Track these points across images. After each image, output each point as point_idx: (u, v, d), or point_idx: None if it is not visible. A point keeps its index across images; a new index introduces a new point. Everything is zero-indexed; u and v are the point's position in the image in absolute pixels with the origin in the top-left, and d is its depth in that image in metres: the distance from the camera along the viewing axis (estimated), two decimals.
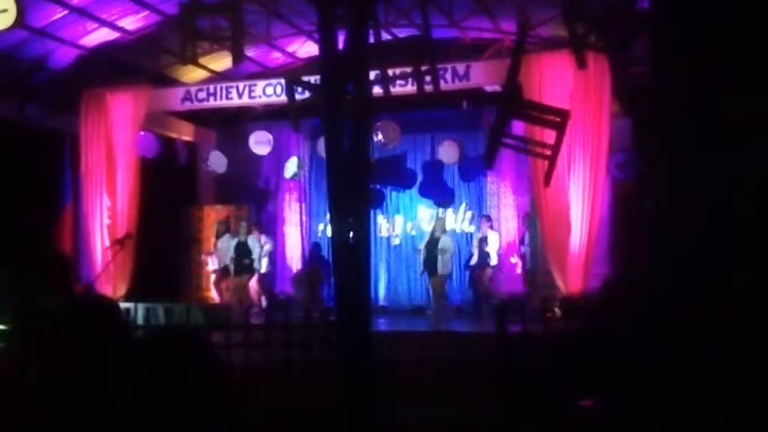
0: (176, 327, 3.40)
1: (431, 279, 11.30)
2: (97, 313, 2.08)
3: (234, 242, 11.94)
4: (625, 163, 10.30)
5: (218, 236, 12.37)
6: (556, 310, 8.77)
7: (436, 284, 11.28)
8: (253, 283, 11.87)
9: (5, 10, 7.11)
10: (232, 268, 11.80)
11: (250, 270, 11.84)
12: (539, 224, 10.52)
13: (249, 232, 12.03)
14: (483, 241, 11.50)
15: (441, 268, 11.10)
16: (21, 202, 10.29)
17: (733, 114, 2.68)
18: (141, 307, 8.23)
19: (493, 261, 11.40)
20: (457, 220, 12.76)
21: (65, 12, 10.04)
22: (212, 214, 13.15)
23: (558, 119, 6.10)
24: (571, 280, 9.73)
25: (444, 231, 11.43)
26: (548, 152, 6.37)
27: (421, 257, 11.34)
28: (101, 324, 2.05)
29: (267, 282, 12.61)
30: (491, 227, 11.69)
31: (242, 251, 11.85)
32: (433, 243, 11.28)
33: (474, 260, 11.55)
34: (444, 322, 10.61)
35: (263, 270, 12.18)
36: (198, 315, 8.74)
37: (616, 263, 10.40)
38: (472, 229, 12.64)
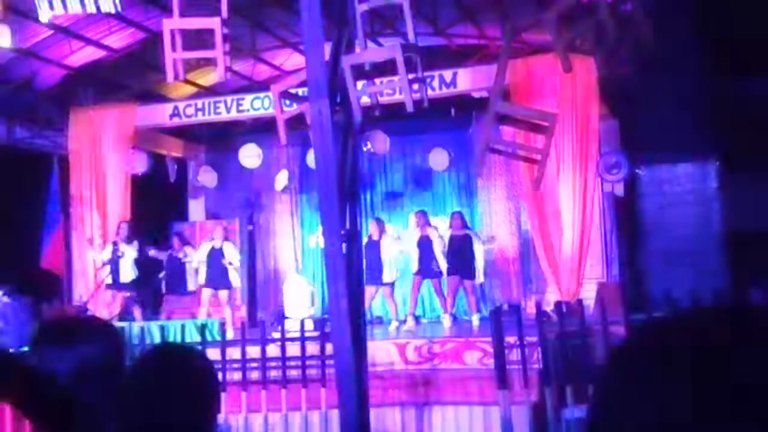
0: (174, 345, 3.37)
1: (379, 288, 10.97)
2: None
3: (207, 248, 11.13)
4: (614, 164, 10.34)
5: None
6: (552, 314, 8.77)
7: (386, 294, 11.02)
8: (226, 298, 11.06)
9: None
10: (204, 278, 11.03)
11: (225, 282, 11.02)
12: (531, 228, 10.54)
13: (225, 238, 11.23)
14: (423, 243, 10.81)
15: (386, 276, 10.82)
16: (11, 225, 10.26)
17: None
18: (135, 326, 8.19)
19: (442, 266, 10.81)
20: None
21: (51, 32, 10.03)
22: (204, 230, 13.13)
23: (546, 123, 6.12)
24: (564, 284, 9.75)
25: (381, 234, 10.97)
26: (537, 156, 6.39)
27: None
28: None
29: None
30: (429, 224, 11.12)
31: (216, 259, 11.01)
32: (372, 248, 10.59)
33: (415, 266, 10.97)
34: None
35: (237, 284, 11.36)
36: (193, 332, 8.70)
37: (610, 266, 10.45)
38: None
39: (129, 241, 10.84)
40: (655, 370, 0.74)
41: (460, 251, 10.68)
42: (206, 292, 11.00)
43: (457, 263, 10.62)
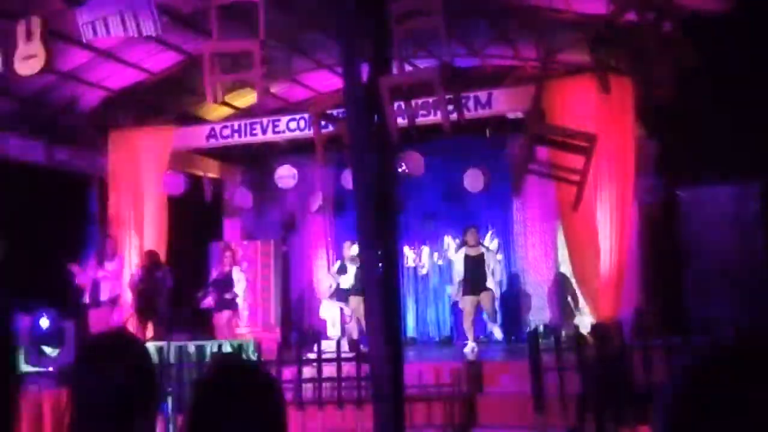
0: (246, 362, 3.35)
1: None
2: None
3: (218, 271, 11.36)
4: (652, 186, 10.24)
5: None
6: (588, 336, 8.66)
7: None
8: (229, 319, 11.17)
9: (34, 56, 7.26)
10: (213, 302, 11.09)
11: (230, 305, 11.17)
12: (567, 249, 10.45)
13: (234, 263, 11.45)
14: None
15: None
16: (51, 246, 10.39)
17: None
18: (173, 346, 8.23)
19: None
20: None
21: (92, 55, 10.22)
22: (239, 251, 13.20)
23: (585, 144, 6.08)
24: (601, 307, 9.63)
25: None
26: (576, 177, 6.35)
27: None
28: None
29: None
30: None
31: (224, 284, 11.17)
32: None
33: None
34: None
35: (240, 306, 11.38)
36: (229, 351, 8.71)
37: (647, 289, 10.31)
38: (499, 256, 12.57)
39: (112, 257, 10.76)
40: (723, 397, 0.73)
41: (476, 269, 10.63)
42: (218, 317, 11.20)
43: (474, 282, 10.59)
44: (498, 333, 10.93)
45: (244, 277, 11.56)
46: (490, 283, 10.62)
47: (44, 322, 8.12)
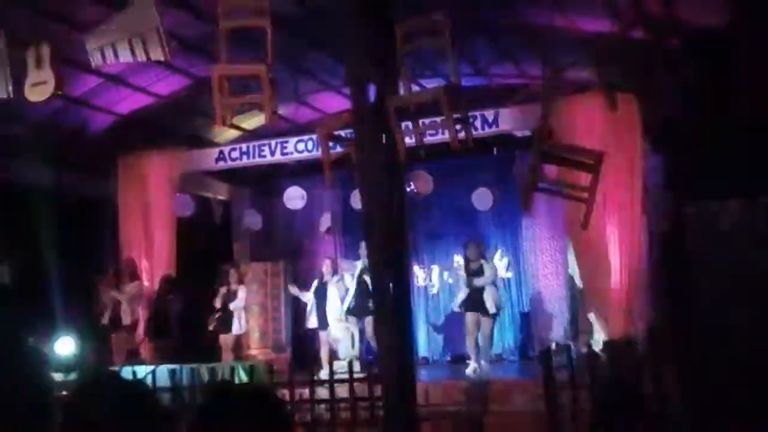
0: (253, 386, 3.34)
1: None
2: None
3: (222, 291, 11.42)
4: (660, 202, 10.21)
5: None
6: (601, 354, 8.62)
7: None
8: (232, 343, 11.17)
9: (44, 82, 7.32)
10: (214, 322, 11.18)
11: (229, 326, 11.20)
12: (577, 267, 10.42)
13: (240, 282, 11.46)
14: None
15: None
16: (62, 271, 10.42)
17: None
18: (186, 369, 8.23)
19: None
20: None
21: (101, 81, 10.30)
22: (248, 272, 13.20)
23: (592, 161, 6.09)
24: (613, 324, 9.58)
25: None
26: (584, 195, 6.34)
27: None
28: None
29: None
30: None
31: (227, 303, 11.24)
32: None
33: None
34: None
35: (240, 330, 11.42)
36: (242, 374, 8.71)
37: (659, 305, 10.25)
38: (509, 275, 12.56)
39: (132, 279, 10.76)
40: None
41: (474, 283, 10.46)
42: (222, 338, 11.24)
43: (472, 297, 10.43)
44: (472, 368, 10.26)
45: (243, 296, 11.54)
46: (489, 302, 10.30)
47: (62, 347, 8.11)
